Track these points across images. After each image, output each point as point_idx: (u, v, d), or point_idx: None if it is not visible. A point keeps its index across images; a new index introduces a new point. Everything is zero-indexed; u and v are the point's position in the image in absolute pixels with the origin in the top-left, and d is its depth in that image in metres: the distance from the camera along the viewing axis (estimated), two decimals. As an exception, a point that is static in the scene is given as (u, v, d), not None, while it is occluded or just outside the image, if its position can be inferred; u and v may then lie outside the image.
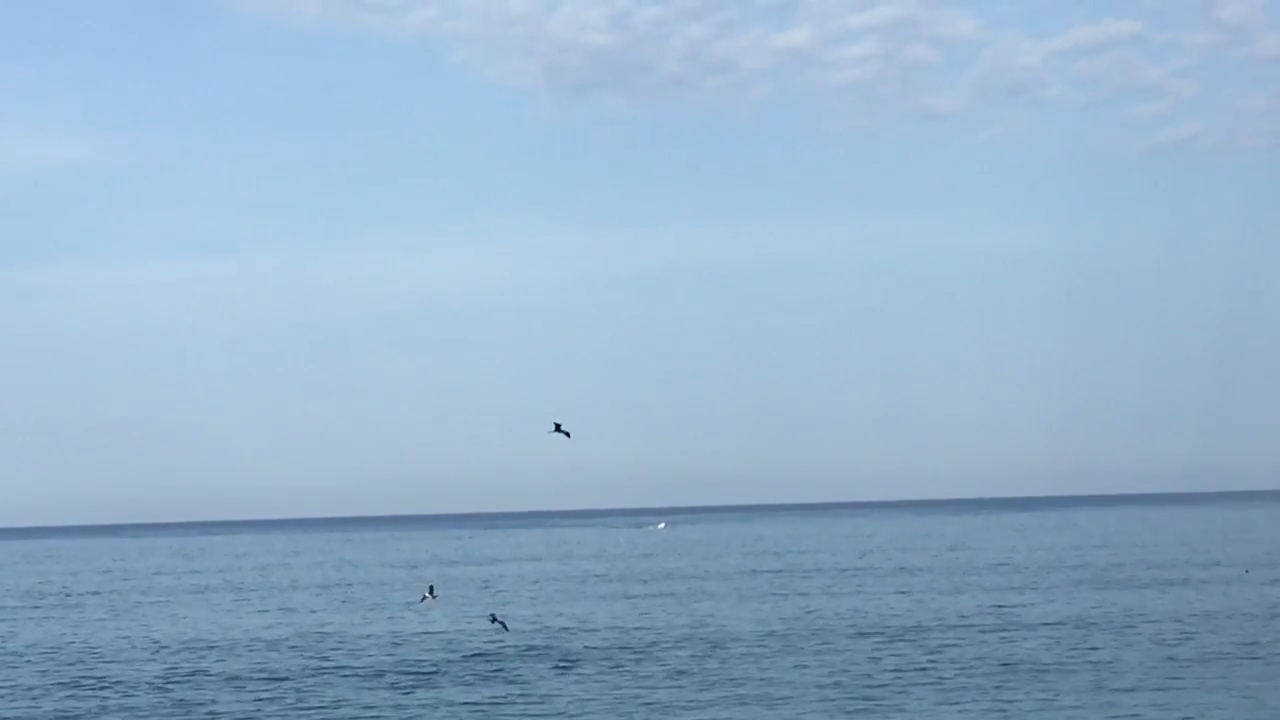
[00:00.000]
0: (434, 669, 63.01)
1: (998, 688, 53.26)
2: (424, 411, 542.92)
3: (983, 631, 70.93)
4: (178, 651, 73.20)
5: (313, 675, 62.29)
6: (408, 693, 56.64)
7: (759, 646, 67.06)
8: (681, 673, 59.35)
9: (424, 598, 76.77)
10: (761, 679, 56.93)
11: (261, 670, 64.65)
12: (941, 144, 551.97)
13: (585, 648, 68.83)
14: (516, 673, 60.96)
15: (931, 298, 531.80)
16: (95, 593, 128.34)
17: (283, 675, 62.59)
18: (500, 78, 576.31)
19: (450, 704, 53.71)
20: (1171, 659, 59.46)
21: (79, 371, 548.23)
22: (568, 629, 77.72)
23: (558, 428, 48.51)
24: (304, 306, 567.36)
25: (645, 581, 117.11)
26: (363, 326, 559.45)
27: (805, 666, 60.00)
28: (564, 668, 62.03)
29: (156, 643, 78.00)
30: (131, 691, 59.31)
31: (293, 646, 73.93)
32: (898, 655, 62.76)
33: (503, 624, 68.57)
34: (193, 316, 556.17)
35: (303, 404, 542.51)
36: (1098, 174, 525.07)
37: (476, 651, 68.48)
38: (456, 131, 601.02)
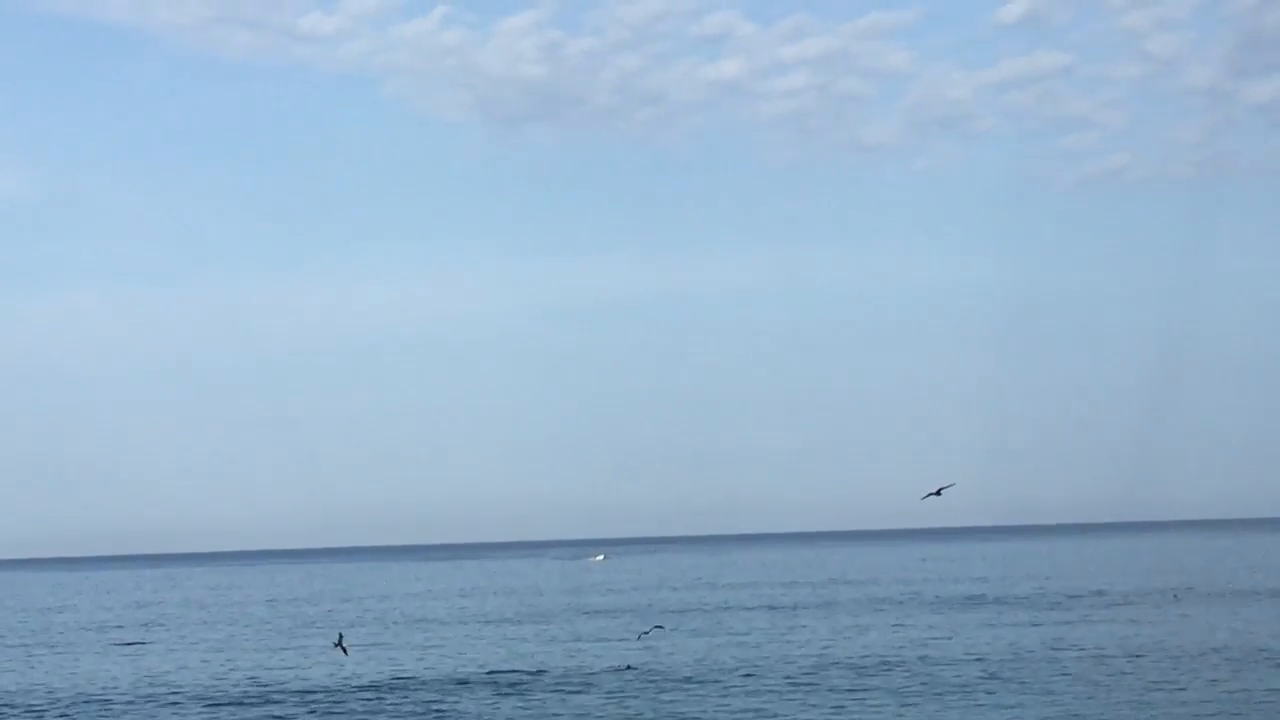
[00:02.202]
0: (358, 701, 63.15)
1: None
2: (359, 443, 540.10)
3: (911, 662, 71.60)
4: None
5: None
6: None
7: (692, 682, 67.53)
8: (614, 704, 59.75)
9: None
10: (690, 715, 57.40)
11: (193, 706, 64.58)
12: (874, 175, 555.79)
13: (518, 678, 69.06)
14: (448, 704, 61.20)
15: (864, 327, 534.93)
16: None
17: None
18: (433, 110, 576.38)
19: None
20: (1098, 686, 60.30)
21: (14, 402, 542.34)
22: (497, 659, 77.90)
23: (938, 492, 48.03)
24: (238, 338, 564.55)
25: (585, 614, 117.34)
26: (297, 357, 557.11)
27: (736, 700, 60.50)
28: (501, 697, 62.31)
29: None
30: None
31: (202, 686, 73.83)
32: (825, 687, 63.35)
33: (657, 629, 74.07)
34: (129, 347, 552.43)
35: (238, 435, 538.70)
36: (1029, 204, 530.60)
37: (404, 682, 68.68)
38: (390, 164, 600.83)
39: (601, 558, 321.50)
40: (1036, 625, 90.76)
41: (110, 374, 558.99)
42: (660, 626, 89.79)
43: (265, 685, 70.55)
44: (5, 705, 66.60)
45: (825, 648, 79.84)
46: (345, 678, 72.13)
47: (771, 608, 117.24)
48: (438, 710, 59.93)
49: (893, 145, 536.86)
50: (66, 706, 65.50)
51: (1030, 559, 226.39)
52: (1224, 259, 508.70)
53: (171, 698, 67.05)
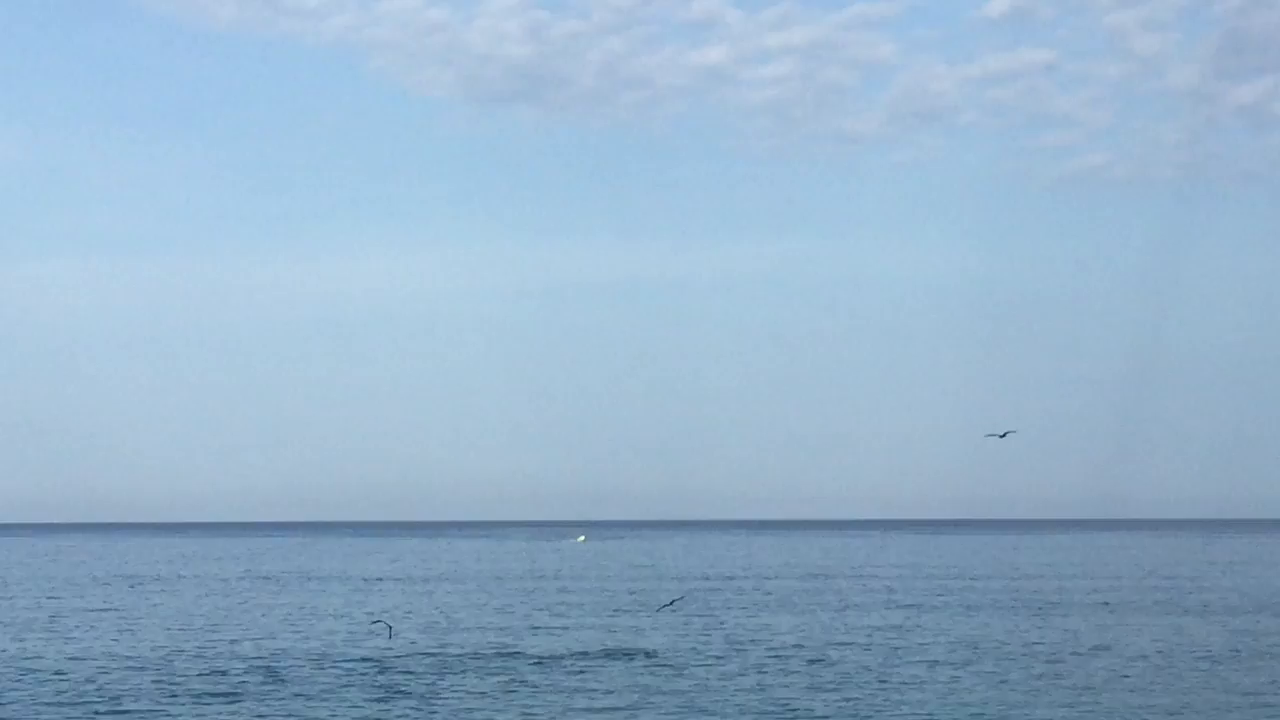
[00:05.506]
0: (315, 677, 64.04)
1: (878, 709, 55.17)
2: (336, 418, 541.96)
3: (874, 652, 72.76)
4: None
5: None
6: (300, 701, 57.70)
7: (681, 661, 68.58)
8: (585, 683, 60.69)
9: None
10: (677, 693, 58.39)
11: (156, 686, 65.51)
12: (855, 166, 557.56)
13: (494, 658, 69.96)
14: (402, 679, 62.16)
15: (842, 319, 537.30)
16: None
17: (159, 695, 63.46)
18: (417, 86, 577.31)
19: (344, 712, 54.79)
20: (1053, 683, 61.45)
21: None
22: (474, 638, 78.74)
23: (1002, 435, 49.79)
24: (210, 309, 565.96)
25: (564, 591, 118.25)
26: (275, 331, 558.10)
27: (722, 685, 61.52)
28: (454, 673, 63.16)
29: None
30: None
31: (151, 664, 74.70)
32: (796, 675, 64.47)
33: (388, 626, 71.34)
34: (99, 316, 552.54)
35: (207, 407, 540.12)
36: (1009, 200, 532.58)
37: (364, 657, 69.52)
38: (372, 139, 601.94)
39: (583, 538, 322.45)
40: (995, 620, 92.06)
41: (83, 342, 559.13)
42: (680, 599, 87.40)
43: (252, 658, 71.46)
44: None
45: (790, 632, 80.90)
46: (338, 651, 73.01)
47: (764, 593, 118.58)
48: (444, 689, 60.78)
49: (874, 136, 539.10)
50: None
51: (1002, 555, 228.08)
52: (1203, 261, 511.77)
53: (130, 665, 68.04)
